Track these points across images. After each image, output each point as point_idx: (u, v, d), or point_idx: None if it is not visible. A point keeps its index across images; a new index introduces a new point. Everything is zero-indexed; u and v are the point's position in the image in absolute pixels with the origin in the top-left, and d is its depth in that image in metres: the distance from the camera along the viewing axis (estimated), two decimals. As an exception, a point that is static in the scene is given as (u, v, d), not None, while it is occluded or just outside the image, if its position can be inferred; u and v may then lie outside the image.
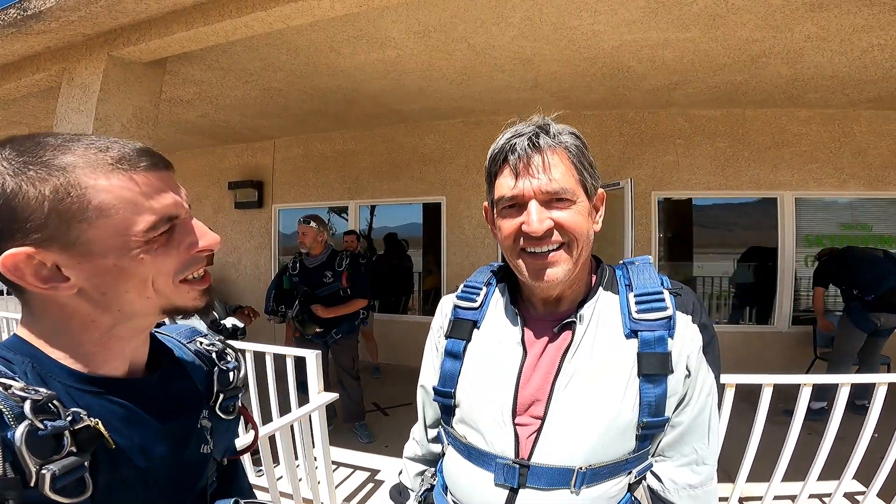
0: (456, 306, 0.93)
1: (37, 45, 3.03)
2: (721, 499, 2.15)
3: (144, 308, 0.56)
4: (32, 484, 0.43)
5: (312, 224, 3.40)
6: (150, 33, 2.77)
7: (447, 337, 0.91)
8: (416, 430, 1.05)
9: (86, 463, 0.47)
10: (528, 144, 0.76)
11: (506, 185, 0.77)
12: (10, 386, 0.46)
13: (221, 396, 0.71)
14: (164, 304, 0.57)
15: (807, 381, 2.12)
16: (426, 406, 1.01)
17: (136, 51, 2.89)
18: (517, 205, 0.78)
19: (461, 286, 0.96)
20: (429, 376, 0.96)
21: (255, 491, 0.86)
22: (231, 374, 0.74)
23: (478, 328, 0.89)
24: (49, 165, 0.49)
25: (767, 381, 2.11)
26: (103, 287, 0.52)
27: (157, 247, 0.54)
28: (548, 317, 0.85)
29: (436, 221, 5.66)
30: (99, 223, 0.50)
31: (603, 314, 0.82)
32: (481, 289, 0.93)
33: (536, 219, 0.75)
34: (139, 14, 2.68)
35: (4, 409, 0.44)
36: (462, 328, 0.90)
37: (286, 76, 3.95)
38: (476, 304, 0.91)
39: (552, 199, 0.76)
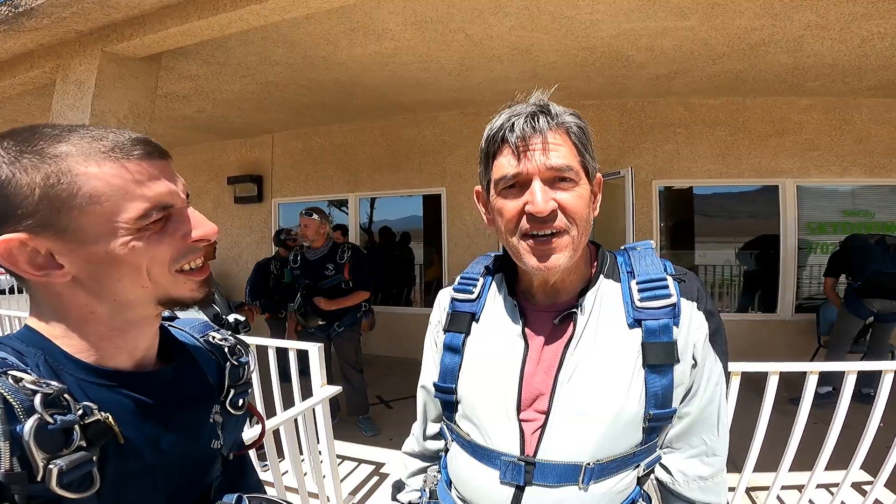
0: (453, 299, 0.90)
1: (30, 43, 3.00)
2: (728, 489, 2.16)
3: (140, 298, 0.55)
4: (39, 478, 0.43)
5: (314, 216, 3.39)
6: (143, 28, 2.74)
7: (445, 331, 0.89)
8: (416, 428, 1.04)
9: (94, 458, 0.47)
10: (530, 123, 0.72)
11: (506, 164, 0.73)
12: (22, 379, 0.46)
13: (232, 392, 0.71)
14: (161, 294, 0.56)
15: (813, 369, 2.11)
16: (428, 405, 0.99)
17: (130, 46, 2.86)
18: (518, 185, 0.74)
19: (458, 278, 0.93)
20: (430, 374, 0.94)
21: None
22: (242, 369, 0.74)
23: (476, 321, 0.86)
24: (43, 154, 0.49)
25: (773, 369, 2.09)
26: (97, 275, 0.53)
27: (150, 235, 0.54)
28: (548, 308, 0.82)
29: (436, 213, 5.65)
30: (90, 210, 0.50)
31: (605, 303, 0.79)
32: (478, 279, 0.90)
33: (541, 198, 0.70)
34: (132, 9, 2.66)
35: (14, 403, 0.44)
36: (460, 321, 0.87)
37: (283, 70, 3.92)
38: (473, 296, 0.88)
39: (555, 179, 0.73)
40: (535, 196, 0.71)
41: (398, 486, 1.03)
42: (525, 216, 0.73)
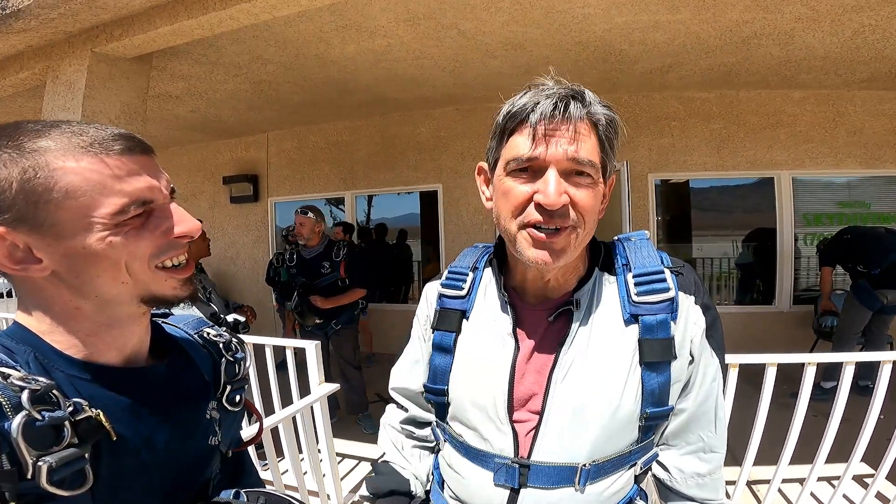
0: (441, 295, 0.86)
1: (19, 44, 2.97)
2: (728, 482, 2.13)
3: (121, 294, 0.55)
4: (29, 476, 0.43)
5: (310, 214, 3.39)
6: (133, 28, 2.72)
7: (434, 329, 0.85)
8: (392, 416, 0.99)
9: (86, 454, 0.47)
10: (560, 107, 0.66)
11: (524, 144, 0.67)
12: (10, 375, 0.46)
13: (228, 388, 0.71)
14: (142, 290, 0.56)
15: (811, 360, 2.09)
16: (407, 404, 0.95)
17: (120, 46, 2.84)
18: (531, 169, 0.68)
19: (445, 272, 0.88)
20: (415, 376, 0.91)
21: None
22: (238, 365, 0.73)
23: (467, 318, 0.82)
24: (22, 148, 0.49)
25: (771, 361, 2.07)
26: (76, 270, 0.52)
27: (129, 230, 0.53)
28: (541, 304, 0.79)
29: (433, 210, 5.64)
30: (66, 204, 0.50)
31: (600, 298, 0.76)
32: (467, 274, 0.85)
33: (554, 190, 0.65)
34: (121, 9, 2.63)
35: (2, 400, 0.44)
36: (450, 319, 0.83)
37: (276, 69, 3.90)
38: (463, 293, 0.83)
39: (573, 172, 0.67)
40: (549, 186, 0.66)
41: (378, 477, 0.92)
42: (533, 205, 0.68)
